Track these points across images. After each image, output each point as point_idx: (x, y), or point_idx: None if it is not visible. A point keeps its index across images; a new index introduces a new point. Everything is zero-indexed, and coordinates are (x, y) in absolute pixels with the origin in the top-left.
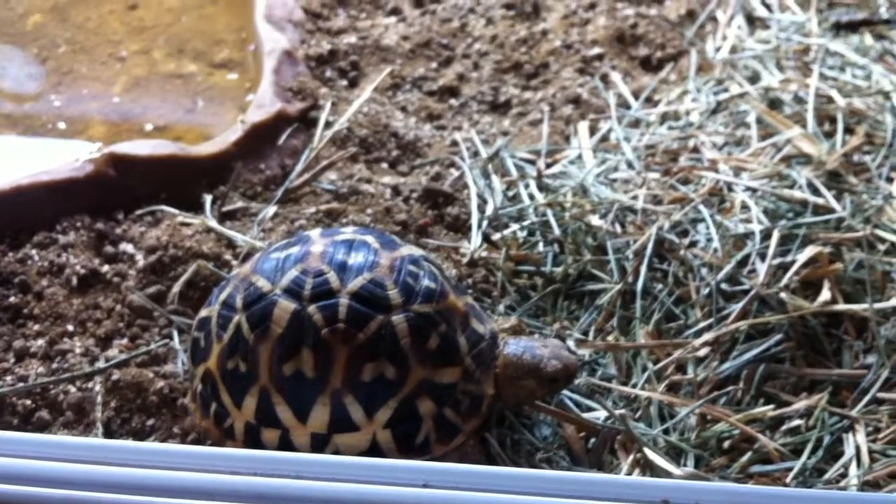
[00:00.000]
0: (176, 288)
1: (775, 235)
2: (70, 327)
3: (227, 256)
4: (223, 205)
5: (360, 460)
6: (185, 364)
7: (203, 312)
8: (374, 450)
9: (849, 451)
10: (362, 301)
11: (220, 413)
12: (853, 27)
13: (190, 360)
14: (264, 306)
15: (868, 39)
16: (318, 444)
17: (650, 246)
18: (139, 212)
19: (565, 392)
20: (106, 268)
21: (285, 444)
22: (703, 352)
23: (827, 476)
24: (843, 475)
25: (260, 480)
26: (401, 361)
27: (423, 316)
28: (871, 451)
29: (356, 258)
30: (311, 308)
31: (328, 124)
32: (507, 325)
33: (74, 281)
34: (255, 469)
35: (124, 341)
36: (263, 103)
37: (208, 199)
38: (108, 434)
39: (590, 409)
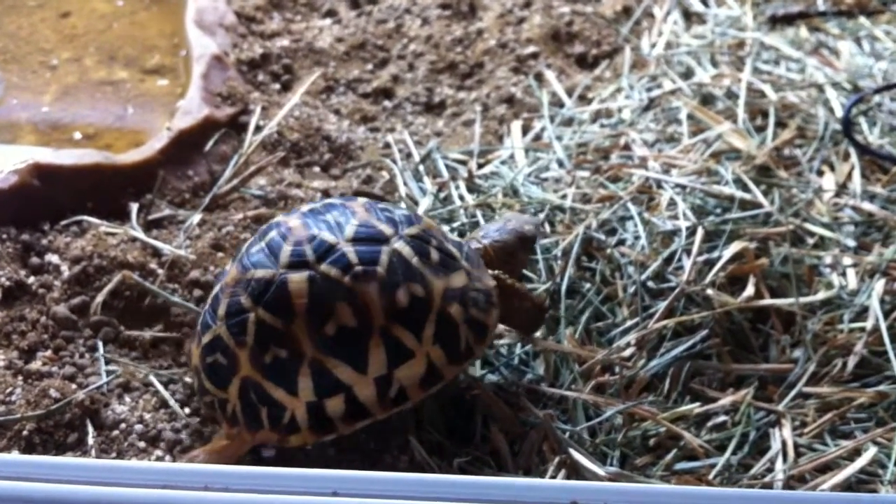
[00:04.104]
0: (99, 298)
1: (699, 232)
2: None
3: (153, 265)
4: (149, 213)
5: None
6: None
7: (206, 337)
8: (430, 372)
9: (775, 445)
10: (363, 242)
11: (275, 412)
12: (789, 20)
13: (213, 387)
14: (277, 290)
15: (803, 32)
16: (382, 387)
17: (577, 245)
18: (64, 222)
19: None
20: (31, 279)
21: (351, 404)
22: (628, 351)
23: (753, 471)
24: (770, 470)
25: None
26: (421, 279)
27: (415, 237)
28: (797, 446)
29: (335, 216)
30: (324, 267)
31: (258, 129)
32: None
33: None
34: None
35: (48, 353)
36: (190, 109)
37: (134, 207)
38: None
39: (520, 409)
